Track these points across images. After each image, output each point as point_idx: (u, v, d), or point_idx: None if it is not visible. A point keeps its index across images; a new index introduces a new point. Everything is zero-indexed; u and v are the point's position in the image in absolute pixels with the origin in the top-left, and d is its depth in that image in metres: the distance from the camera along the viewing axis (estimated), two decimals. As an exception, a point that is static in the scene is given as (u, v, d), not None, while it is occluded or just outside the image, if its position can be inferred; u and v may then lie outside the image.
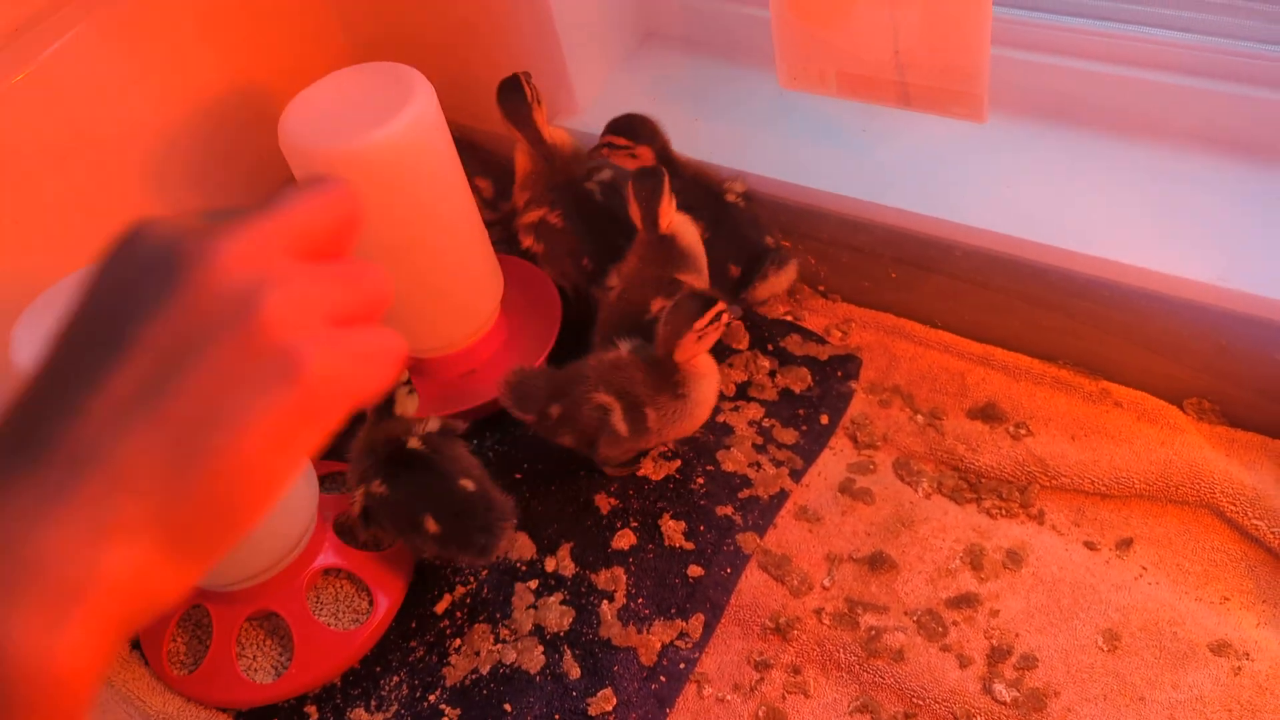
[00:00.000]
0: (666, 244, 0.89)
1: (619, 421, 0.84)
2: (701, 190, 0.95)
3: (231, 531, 0.30)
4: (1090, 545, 0.82)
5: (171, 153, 0.98)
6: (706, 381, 0.85)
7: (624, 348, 0.86)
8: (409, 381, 0.87)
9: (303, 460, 0.30)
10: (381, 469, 0.82)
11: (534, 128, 0.95)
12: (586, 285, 0.99)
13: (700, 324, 0.81)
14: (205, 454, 0.28)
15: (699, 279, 0.90)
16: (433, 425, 0.85)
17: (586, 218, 0.99)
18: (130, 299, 0.29)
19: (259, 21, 1.03)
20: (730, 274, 0.95)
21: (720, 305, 0.81)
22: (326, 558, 0.86)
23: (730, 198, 0.96)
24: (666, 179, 0.86)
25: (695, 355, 0.83)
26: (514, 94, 0.94)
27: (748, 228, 0.95)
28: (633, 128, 0.94)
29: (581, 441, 0.87)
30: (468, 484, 0.82)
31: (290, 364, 0.29)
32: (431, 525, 0.80)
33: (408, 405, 0.86)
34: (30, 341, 0.70)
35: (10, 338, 0.71)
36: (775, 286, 0.97)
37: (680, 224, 0.89)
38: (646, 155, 0.94)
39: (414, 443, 0.83)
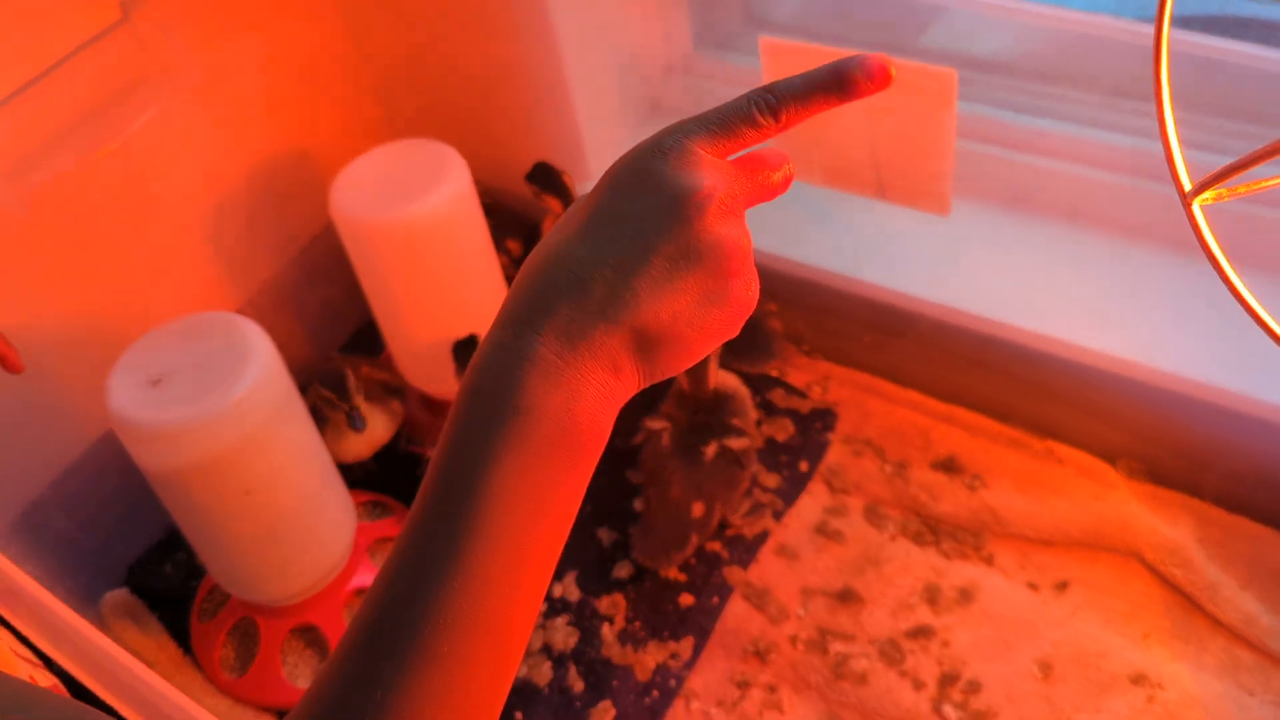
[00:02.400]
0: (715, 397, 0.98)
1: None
2: None
3: (663, 375, 0.42)
4: (1032, 586, 0.93)
5: (229, 213, 1.09)
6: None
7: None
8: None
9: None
10: None
11: (568, 195, 1.04)
12: None
13: None
14: (679, 341, 0.41)
15: (747, 424, 0.98)
16: None
17: None
18: (650, 218, 0.40)
19: (312, 97, 1.14)
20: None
21: None
22: (361, 578, 0.97)
23: None
24: None
25: None
26: (547, 172, 1.05)
27: None
28: (543, 176, 1.04)
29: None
30: None
31: (735, 306, 0.42)
32: None
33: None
34: (124, 388, 0.81)
35: (106, 386, 0.82)
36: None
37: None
38: (555, 206, 1.03)
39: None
